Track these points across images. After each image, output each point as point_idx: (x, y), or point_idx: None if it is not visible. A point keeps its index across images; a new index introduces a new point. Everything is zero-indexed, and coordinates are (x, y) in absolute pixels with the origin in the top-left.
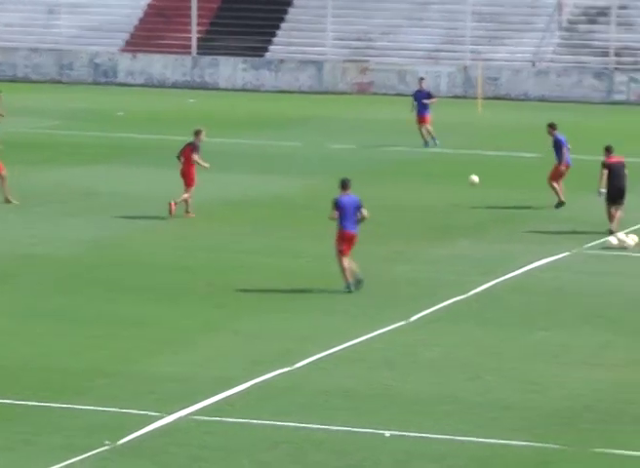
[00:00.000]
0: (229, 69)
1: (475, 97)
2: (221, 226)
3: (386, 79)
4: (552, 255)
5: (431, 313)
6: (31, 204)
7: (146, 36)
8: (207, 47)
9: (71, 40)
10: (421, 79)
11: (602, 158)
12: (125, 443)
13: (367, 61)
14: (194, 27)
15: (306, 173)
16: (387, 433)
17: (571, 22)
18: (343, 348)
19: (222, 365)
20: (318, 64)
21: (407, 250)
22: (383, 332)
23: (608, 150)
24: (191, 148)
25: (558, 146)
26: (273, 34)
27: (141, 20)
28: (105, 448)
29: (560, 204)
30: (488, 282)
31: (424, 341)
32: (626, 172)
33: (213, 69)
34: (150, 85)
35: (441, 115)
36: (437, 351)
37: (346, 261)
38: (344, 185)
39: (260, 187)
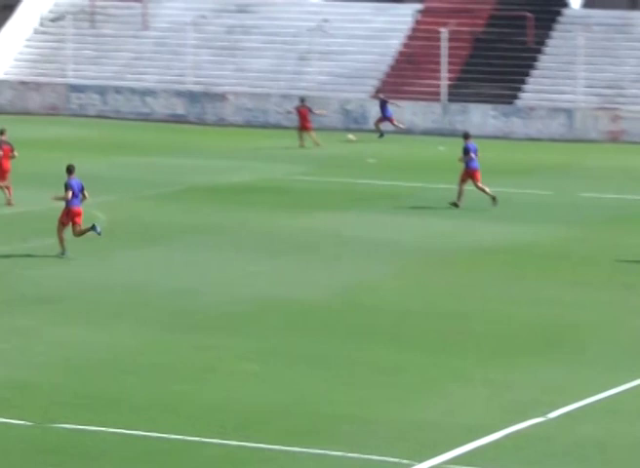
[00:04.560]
0: (479, 116)
1: None
2: (469, 273)
3: (639, 127)
4: None
5: None
6: (282, 249)
7: (396, 83)
8: (457, 94)
9: (321, 86)
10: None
11: None
12: None
13: (618, 109)
14: (444, 74)
15: (557, 221)
16: None
17: None
18: (597, 399)
19: (474, 413)
20: (568, 112)
21: None
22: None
23: None
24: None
25: (466, 152)
26: (523, 81)
27: (392, 67)
28: None
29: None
30: None
31: None
32: None
33: (463, 116)
34: (400, 132)
35: None
36: None
37: (64, 232)
38: (70, 170)
39: (509, 235)
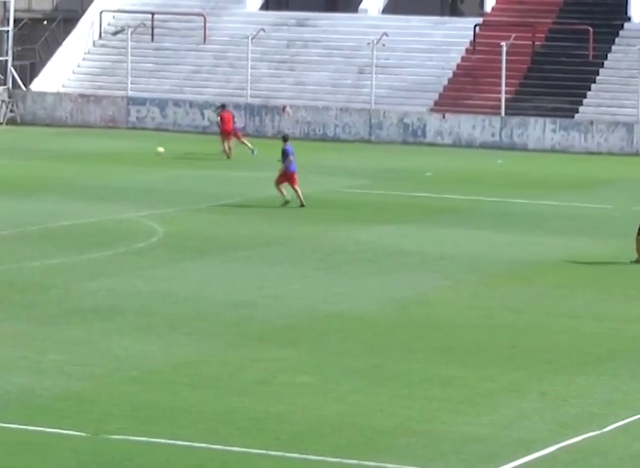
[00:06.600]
0: (538, 130)
1: None
2: (523, 287)
3: None
4: None
5: None
6: (339, 262)
7: (455, 96)
8: (516, 107)
9: (380, 100)
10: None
11: None
12: None
13: None
14: (503, 88)
15: (616, 235)
16: None
17: None
18: None
19: (527, 427)
20: (629, 126)
21: None
22: None
23: None
24: None
25: (285, 155)
26: (583, 95)
27: (451, 81)
28: None
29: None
30: None
31: None
32: None
33: (521, 130)
34: (458, 145)
35: None
36: None
37: None
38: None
39: (566, 248)
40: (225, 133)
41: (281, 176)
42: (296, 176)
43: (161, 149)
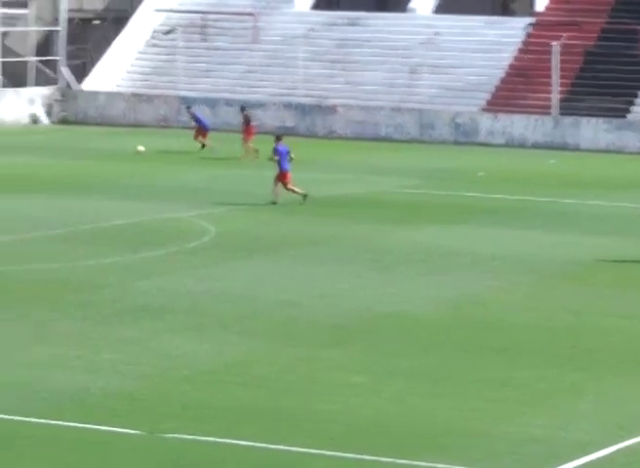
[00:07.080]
0: (591, 130)
1: None
2: (579, 287)
3: None
4: None
5: None
6: (392, 262)
7: (507, 96)
8: (568, 107)
9: (432, 99)
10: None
11: None
12: None
13: None
14: (556, 88)
15: None
16: None
17: None
18: None
19: (585, 428)
20: None
21: None
22: None
23: None
24: None
25: (280, 153)
26: (636, 95)
27: (503, 80)
28: None
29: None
30: None
31: None
32: None
33: (574, 130)
34: (511, 145)
35: None
36: None
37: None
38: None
39: (620, 248)
40: (250, 134)
41: (279, 175)
42: (289, 176)
43: (141, 148)
